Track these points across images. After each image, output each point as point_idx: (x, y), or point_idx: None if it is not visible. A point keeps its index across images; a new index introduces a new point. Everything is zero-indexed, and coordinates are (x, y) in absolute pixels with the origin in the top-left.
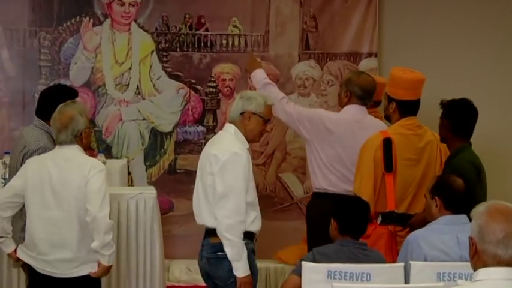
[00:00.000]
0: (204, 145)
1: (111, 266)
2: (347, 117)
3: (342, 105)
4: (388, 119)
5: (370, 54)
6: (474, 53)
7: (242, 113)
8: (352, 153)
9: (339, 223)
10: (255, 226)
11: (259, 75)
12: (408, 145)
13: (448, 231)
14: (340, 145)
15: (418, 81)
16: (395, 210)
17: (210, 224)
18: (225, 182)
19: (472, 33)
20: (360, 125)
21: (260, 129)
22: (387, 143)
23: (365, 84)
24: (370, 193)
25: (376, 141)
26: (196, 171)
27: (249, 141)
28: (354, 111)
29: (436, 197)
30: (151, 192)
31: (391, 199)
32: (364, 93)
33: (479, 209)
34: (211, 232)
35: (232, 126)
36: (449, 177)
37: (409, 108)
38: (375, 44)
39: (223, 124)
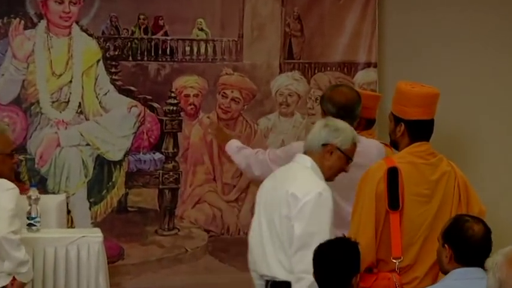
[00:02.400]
0: (162, 176)
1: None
2: None
3: None
4: (395, 145)
5: (368, 65)
6: (497, 61)
7: (324, 145)
8: (341, 187)
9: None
10: None
11: (233, 144)
12: (419, 177)
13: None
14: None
15: (432, 97)
16: (401, 258)
17: (282, 276)
18: (307, 229)
19: (494, 36)
20: None
21: (340, 167)
22: (393, 174)
23: (339, 99)
24: (370, 236)
25: (379, 172)
26: (152, 210)
27: (324, 179)
28: None
29: (447, 245)
30: (96, 235)
31: (397, 244)
32: (338, 110)
33: (497, 260)
34: (280, 286)
35: (308, 158)
36: (465, 222)
37: (421, 130)
38: (374, 53)
39: (186, 150)
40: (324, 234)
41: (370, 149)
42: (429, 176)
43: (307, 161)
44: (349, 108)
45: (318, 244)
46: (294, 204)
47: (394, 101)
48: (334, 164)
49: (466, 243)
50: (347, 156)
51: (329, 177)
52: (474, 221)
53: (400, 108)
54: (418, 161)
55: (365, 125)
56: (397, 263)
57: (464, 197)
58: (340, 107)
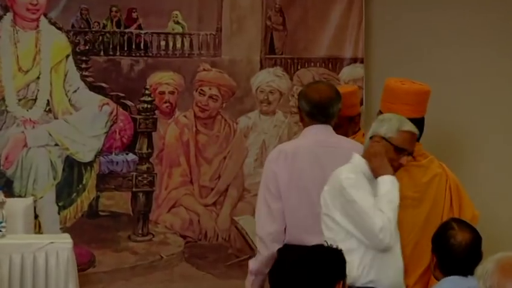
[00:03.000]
0: (136, 179)
1: None
2: (306, 144)
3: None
4: None
5: (354, 60)
6: (490, 56)
7: (371, 138)
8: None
9: None
10: None
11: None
12: (408, 179)
13: None
14: (305, 184)
15: (422, 94)
16: None
17: None
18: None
19: (487, 32)
20: (325, 150)
21: (390, 159)
22: None
23: (313, 96)
24: None
25: None
26: (125, 214)
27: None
28: (314, 134)
29: (432, 252)
30: (65, 241)
31: None
32: (312, 108)
33: (487, 267)
34: None
35: (357, 155)
36: (449, 230)
37: None
38: (360, 47)
39: (162, 151)
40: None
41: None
42: (419, 178)
43: (355, 157)
44: (322, 106)
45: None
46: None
47: (382, 98)
48: (378, 151)
49: (448, 252)
50: (393, 145)
51: (377, 170)
52: (460, 228)
53: (388, 106)
54: (408, 163)
55: (348, 124)
56: None
57: (456, 201)
58: (314, 105)
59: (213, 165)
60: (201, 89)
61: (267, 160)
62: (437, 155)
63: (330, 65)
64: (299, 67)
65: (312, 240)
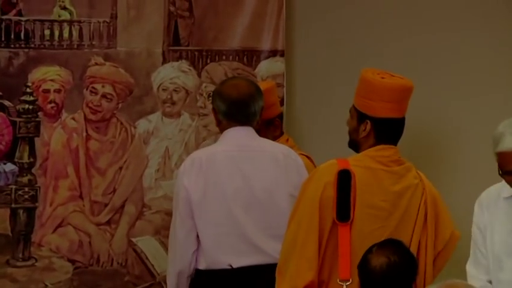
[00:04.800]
0: (16, 193)
1: None
2: (224, 149)
3: (220, 132)
4: (355, 147)
5: (273, 53)
6: (437, 49)
7: None
8: (241, 199)
9: None
10: None
11: None
12: (376, 185)
13: None
14: (223, 196)
15: (407, 90)
16: (350, 280)
17: None
18: None
19: (439, 20)
20: (247, 155)
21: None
22: (344, 178)
23: (229, 93)
24: (311, 250)
25: (328, 174)
26: (2, 235)
27: None
28: (233, 137)
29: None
30: None
31: (345, 263)
32: (229, 108)
33: None
34: None
35: None
36: (368, 253)
37: (390, 131)
38: (281, 38)
39: (46, 160)
40: None
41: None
42: (389, 186)
43: None
44: (242, 104)
45: None
46: None
47: (358, 93)
48: None
49: (363, 278)
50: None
51: None
52: (378, 252)
53: (366, 103)
54: (378, 167)
55: (266, 129)
56: (344, 286)
57: (431, 217)
58: (231, 103)
59: (107, 177)
60: (93, 87)
61: (179, 172)
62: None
63: (245, 59)
64: (208, 61)
65: (237, 262)
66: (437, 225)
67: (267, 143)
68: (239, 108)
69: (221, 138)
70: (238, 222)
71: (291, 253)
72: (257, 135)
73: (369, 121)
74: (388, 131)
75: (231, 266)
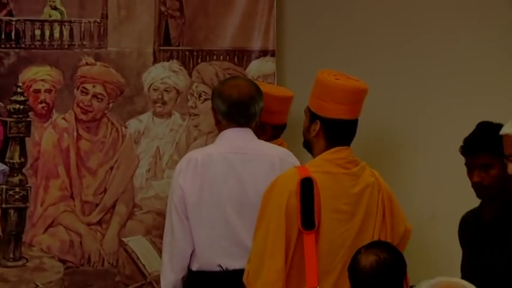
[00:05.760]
0: (6, 193)
1: None
2: (220, 151)
3: (219, 131)
4: (308, 146)
5: (264, 53)
6: (432, 47)
7: None
8: (235, 202)
9: None
10: None
11: None
12: (338, 190)
13: None
14: (217, 198)
15: (359, 93)
16: None
17: None
18: None
19: (427, 19)
20: (243, 158)
21: None
22: (307, 186)
23: (230, 93)
24: (279, 261)
25: (291, 183)
26: None
27: None
28: (230, 139)
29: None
30: None
31: (312, 271)
32: (230, 108)
33: None
34: None
35: None
36: (357, 253)
37: (341, 132)
38: (271, 38)
39: (37, 160)
40: None
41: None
42: (350, 188)
43: None
44: (242, 105)
45: None
46: None
47: (312, 93)
48: None
49: (353, 278)
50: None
51: None
52: (367, 251)
53: (317, 103)
54: (337, 171)
55: (271, 132)
56: None
57: (388, 214)
58: (232, 104)
59: (98, 177)
60: (83, 87)
61: (174, 172)
62: (368, 161)
63: (236, 59)
64: (199, 61)
65: (230, 265)
66: (393, 221)
67: (265, 145)
68: (239, 109)
69: (218, 139)
70: (231, 225)
71: (259, 265)
72: (255, 137)
73: (318, 121)
74: (337, 131)
75: (220, 266)
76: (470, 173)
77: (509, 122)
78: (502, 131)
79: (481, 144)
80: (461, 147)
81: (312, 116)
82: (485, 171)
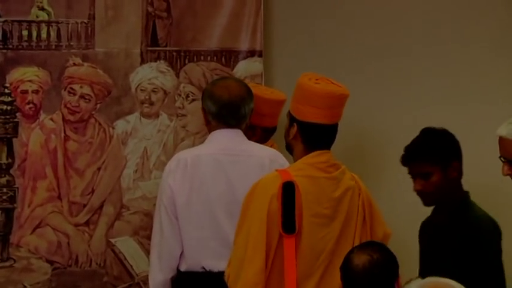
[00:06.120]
0: None
1: None
2: (210, 152)
3: (209, 132)
4: (288, 149)
5: (251, 53)
6: (421, 49)
7: None
8: (224, 203)
9: None
10: None
11: None
12: (319, 194)
13: None
14: (206, 198)
15: (338, 97)
16: None
17: None
18: None
19: (423, 26)
20: (233, 159)
21: None
22: (288, 190)
23: (221, 94)
24: (258, 266)
25: (272, 187)
26: None
27: None
28: (220, 140)
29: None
30: None
31: (291, 276)
32: (220, 109)
33: None
34: None
35: None
36: (350, 252)
37: (317, 136)
38: (259, 38)
39: (24, 161)
40: None
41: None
42: (331, 192)
43: None
44: (233, 107)
45: None
46: None
47: (293, 96)
48: None
49: (346, 277)
50: None
51: None
52: (359, 250)
53: (295, 106)
54: (318, 175)
55: (261, 134)
56: None
57: (368, 217)
58: (222, 105)
59: (85, 178)
60: (71, 87)
61: (164, 172)
62: (347, 165)
63: (223, 59)
64: (186, 61)
65: (217, 266)
66: (372, 224)
67: (255, 146)
68: (230, 110)
69: (208, 140)
70: (220, 227)
71: (239, 268)
72: (245, 139)
73: (295, 124)
74: (314, 135)
75: (204, 268)
76: (413, 182)
77: (504, 124)
78: (497, 133)
79: (419, 153)
80: (401, 156)
81: (291, 119)
82: (425, 179)
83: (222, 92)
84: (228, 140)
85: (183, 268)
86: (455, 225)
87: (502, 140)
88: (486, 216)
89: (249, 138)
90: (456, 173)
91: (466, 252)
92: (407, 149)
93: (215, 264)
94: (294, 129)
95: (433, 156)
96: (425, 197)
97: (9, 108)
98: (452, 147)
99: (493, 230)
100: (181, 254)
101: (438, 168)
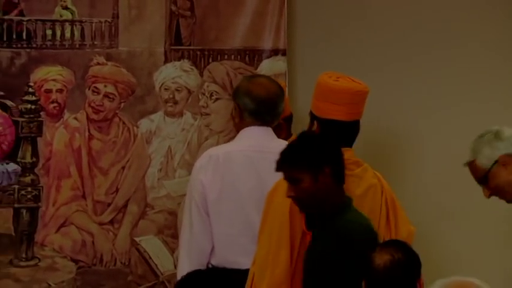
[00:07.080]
0: (18, 193)
1: None
2: (241, 149)
3: (237, 129)
4: None
5: (275, 52)
6: (439, 48)
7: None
8: (254, 200)
9: None
10: None
11: None
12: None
13: None
14: (238, 195)
15: (357, 94)
16: None
17: None
18: None
19: (436, 20)
20: (263, 156)
21: None
22: None
23: (259, 91)
24: (283, 263)
25: None
26: (5, 235)
27: None
28: (251, 136)
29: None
30: None
31: None
32: (259, 106)
33: None
34: None
35: None
36: (373, 251)
37: (338, 133)
38: (282, 37)
39: (48, 160)
40: None
41: None
42: (354, 189)
43: None
44: (271, 104)
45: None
46: None
47: (313, 95)
48: None
49: (368, 277)
50: None
51: None
52: (384, 250)
53: (315, 104)
54: None
55: (286, 127)
56: None
57: (392, 216)
58: (261, 102)
59: (110, 177)
60: (95, 87)
61: (194, 168)
62: (370, 163)
63: (247, 58)
64: (210, 60)
65: (246, 263)
66: (396, 223)
67: (284, 144)
68: (268, 107)
69: (238, 137)
70: (250, 223)
71: (264, 267)
72: (275, 136)
73: (316, 122)
74: (334, 132)
75: (211, 265)
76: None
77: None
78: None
79: (288, 159)
80: (276, 162)
81: (312, 117)
82: (295, 185)
83: (259, 89)
84: (259, 137)
85: (212, 264)
86: (327, 232)
87: (469, 166)
88: (359, 222)
89: (279, 136)
90: (329, 179)
91: (335, 256)
92: (280, 154)
93: (245, 261)
94: (315, 126)
95: (301, 162)
96: (299, 203)
97: (33, 107)
98: (324, 153)
99: (363, 236)
100: (211, 250)
101: (308, 174)
